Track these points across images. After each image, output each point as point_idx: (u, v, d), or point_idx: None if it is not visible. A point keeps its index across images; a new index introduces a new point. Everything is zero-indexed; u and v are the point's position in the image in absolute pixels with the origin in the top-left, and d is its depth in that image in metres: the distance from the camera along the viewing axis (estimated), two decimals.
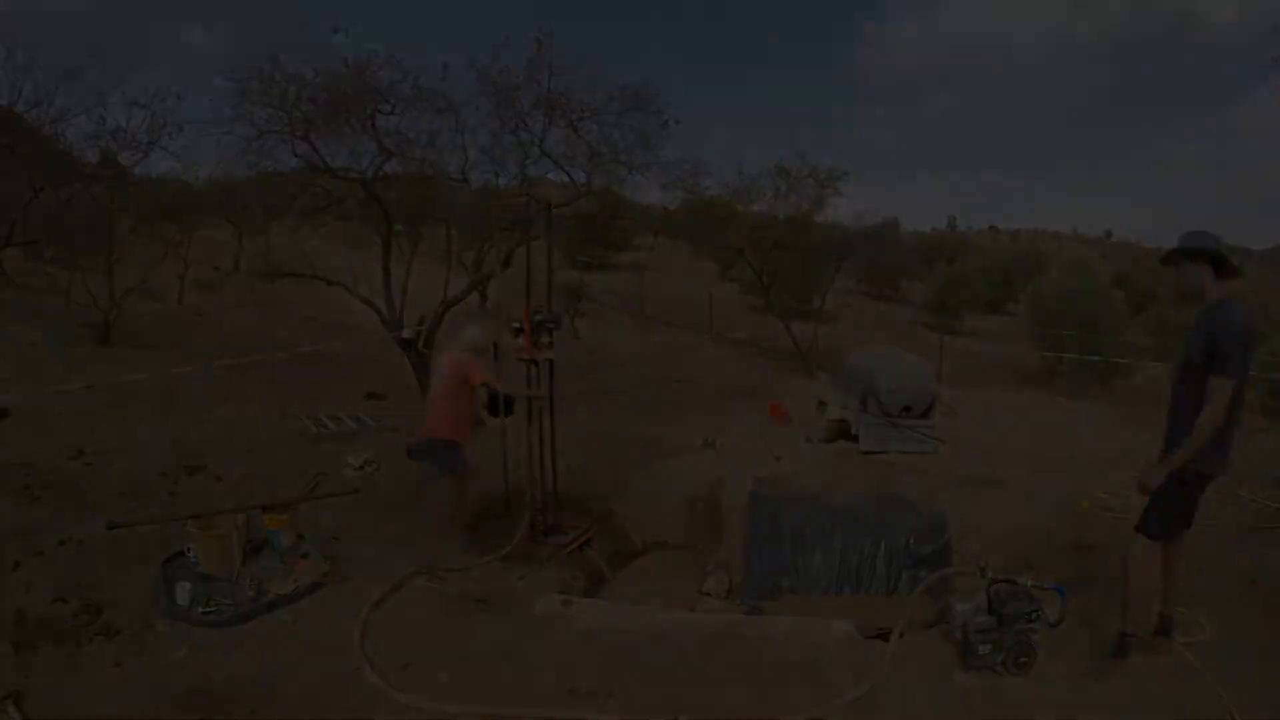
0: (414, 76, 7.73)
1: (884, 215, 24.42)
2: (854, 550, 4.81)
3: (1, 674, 3.05)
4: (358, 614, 3.70)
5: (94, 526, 4.36)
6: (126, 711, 2.93)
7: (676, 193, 9.00)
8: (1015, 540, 5.01)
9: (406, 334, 8.24)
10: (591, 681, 3.28)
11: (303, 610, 3.82)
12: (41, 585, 3.72)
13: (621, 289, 18.76)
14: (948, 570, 4.34)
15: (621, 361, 12.47)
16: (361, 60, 7.51)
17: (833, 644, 3.68)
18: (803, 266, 15.46)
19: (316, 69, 7.42)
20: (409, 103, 7.80)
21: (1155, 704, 3.08)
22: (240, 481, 5.45)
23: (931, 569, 4.46)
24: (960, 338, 18.47)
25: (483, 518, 5.28)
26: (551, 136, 8.12)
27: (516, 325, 4.99)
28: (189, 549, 4.08)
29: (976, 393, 10.81)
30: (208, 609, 3.67)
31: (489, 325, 5.52)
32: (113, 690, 3.05)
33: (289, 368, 9.10)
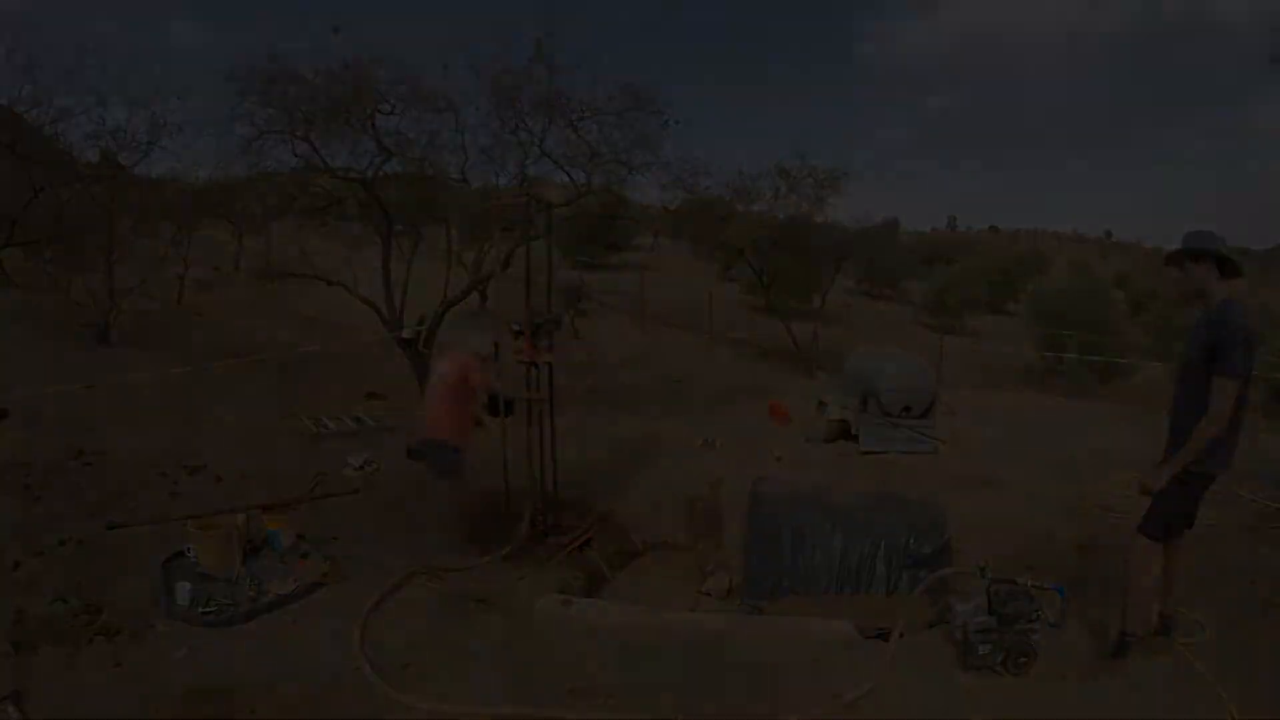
0: (414, 76, 7.73)
1: (884, 215, 24.45)
2: (854, 550, 4.80)
3: (1, 674, 3.05)
4: (358, 614, 3.70)
5: (94, 526, 4.36)
6: (126, 711, 2.93)
7: (676, 193, 8.98)
8: (1015, 540, 5.01)
9: (406, 334, 8.24)
10: (591, 681, 3.28)
11: (303, 610, 3.83)
12: (41, 585, 3.72)
13: (622, 289, 18.75)
14: (948, 570, 4.34)
15: (621, 361, 12.47)
16: (361, 60, 7.51)
17: (833, 644, 3.68)
18: (803, 267, 15.46)
19: (316, 69, 7.42)
20: (408, 102, 7.80)
21: (1155, 704, 3.08)
22: (240, 481, 5.45)
23: (931, 569, 4.45)
24: (960, 338, 18.46)
25: (483, 518, 5.28)
26: (551, 136, 8.11)
27: (516, 327, 4.99)
28: (189, 549, 4.08)
29: (976, 393, 10.81)
30: (208, 609, 3.67)
31: (488, 325, 5.52)
32: (113, 690, 3.05)
33: (289, 368, 9.11)
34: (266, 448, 6.28)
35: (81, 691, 3.02)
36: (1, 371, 6.89)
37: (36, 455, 5.28)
